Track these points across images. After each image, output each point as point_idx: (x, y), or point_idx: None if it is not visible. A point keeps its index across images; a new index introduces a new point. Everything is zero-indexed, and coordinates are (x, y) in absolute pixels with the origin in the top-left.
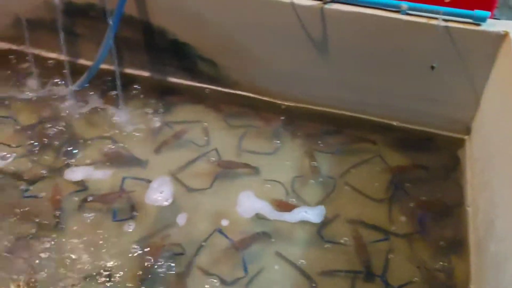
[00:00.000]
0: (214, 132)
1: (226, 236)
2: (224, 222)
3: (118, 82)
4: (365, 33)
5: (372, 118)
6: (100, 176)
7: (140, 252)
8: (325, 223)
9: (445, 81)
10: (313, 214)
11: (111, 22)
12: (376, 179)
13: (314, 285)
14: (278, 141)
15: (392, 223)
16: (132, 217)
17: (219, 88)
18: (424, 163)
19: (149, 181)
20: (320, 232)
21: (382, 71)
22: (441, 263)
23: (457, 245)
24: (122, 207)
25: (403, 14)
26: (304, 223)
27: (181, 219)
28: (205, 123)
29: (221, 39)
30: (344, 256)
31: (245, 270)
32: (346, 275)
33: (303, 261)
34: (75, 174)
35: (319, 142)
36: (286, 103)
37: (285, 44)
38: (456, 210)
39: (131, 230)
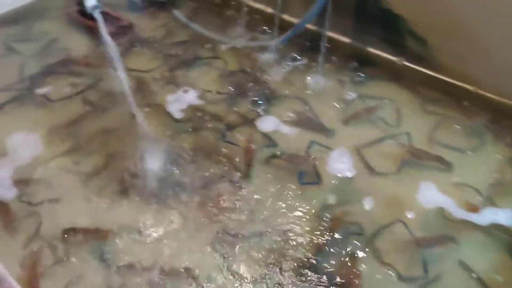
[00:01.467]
0: (407, 114)
1: (408, 230)
2: (408, 213)
3: (322, 45)
4: None
5: None
6: (288, 134)
7: (320, 220)
8: None
9: None
10: (504, 217)
11: None
12: None
13: None
14: (478, 140)
15: None
16: (317, 183)
17: (422, 69)
18: None
19: (333, 151)
20: None
21: None
22: None
23: None
24: (307, 170)
25: None
26: (494, 231)
27: (362, 199)
28: (399, 103)
29: (443, 18)
30: None
31: (425, 270)
32: None
33: (490, 276)
34: (266, 127)
35: None
36: (498, 99)
37: None
38: None
39: (313, 196)
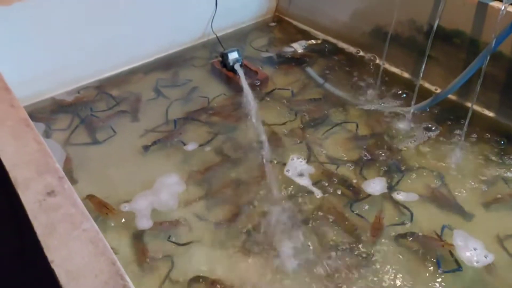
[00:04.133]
0: None
1: None
2: None
3: (467, 119)
4: None
5: None
6: (421, 211)
7: None
8: None
9: None
10: None
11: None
12: None
13: None
14: None
15: None
16: (458, 270)
17: None
18: None
19: (471, 236)
20: None
21: None
22: None
23: None
24: (443, 256)
25: None
26: None
27: None
28: None
29: None
30: None
31: None
32: None
33: None
34: (396, 199)
35: None
36: None
37: None
38: None
39: (449, 286)
